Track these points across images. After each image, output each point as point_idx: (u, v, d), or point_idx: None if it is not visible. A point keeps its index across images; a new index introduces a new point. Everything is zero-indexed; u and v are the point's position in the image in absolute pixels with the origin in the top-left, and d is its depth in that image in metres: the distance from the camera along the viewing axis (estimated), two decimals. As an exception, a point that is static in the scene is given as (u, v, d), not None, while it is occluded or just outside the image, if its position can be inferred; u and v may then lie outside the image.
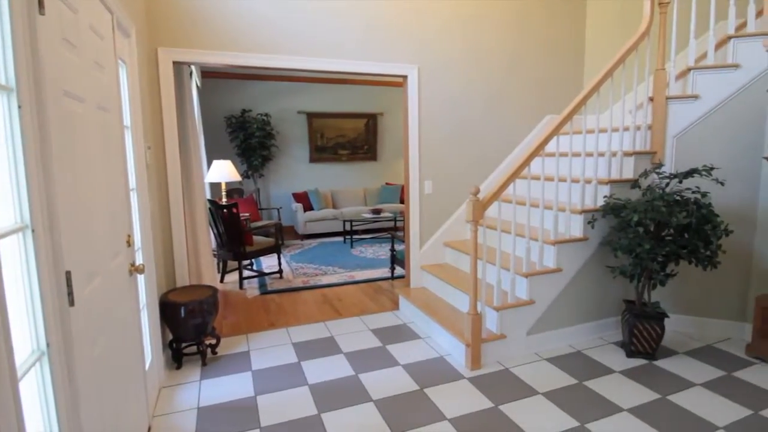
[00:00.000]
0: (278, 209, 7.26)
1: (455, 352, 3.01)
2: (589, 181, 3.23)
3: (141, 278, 2.46)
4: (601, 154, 3.37)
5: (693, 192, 2.83)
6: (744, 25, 3.47)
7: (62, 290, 1.21)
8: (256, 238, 5.15)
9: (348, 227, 7.57)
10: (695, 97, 3.15)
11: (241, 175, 7.31)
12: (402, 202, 7.99)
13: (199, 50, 3.17)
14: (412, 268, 4.03)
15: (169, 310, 2.81)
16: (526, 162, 2.90)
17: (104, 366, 1.54)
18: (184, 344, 3.05)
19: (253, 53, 3.32)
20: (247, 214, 5.91)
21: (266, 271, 5.32)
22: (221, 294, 4.50)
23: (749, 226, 3.14)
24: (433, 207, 4.04)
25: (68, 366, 1.24)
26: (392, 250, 4.81)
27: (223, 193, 5.38)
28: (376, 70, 3.70)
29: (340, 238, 7.32)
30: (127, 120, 2.32)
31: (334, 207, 7.87)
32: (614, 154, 3.29)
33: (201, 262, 3.86)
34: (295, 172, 7.97)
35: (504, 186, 2.83)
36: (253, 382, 2.74)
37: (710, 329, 3.31)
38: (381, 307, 4.02)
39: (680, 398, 2.48)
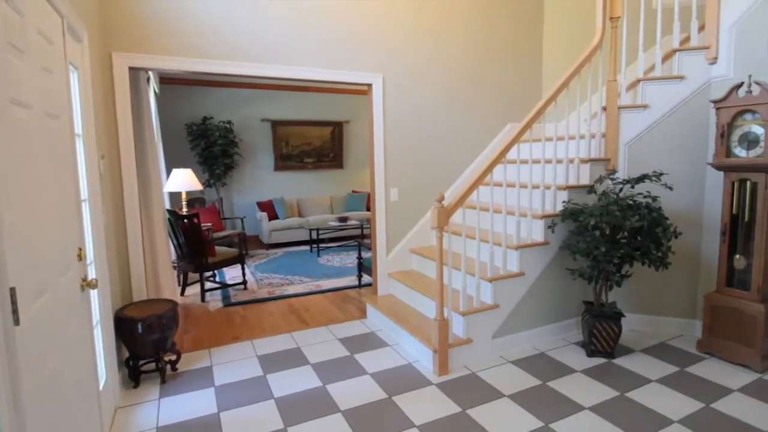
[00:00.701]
0: (242, 219, 7.10)
1: (423, 359, 3.03)
2: (548, 187, 3.34)
3: (94, 293, 2.34)
4: (560, 161, 3.49)
5: (644, 197, 2.98)
6: (688, 39, 3.70)
7: (6, 308, 1.14)
8: (219, 249, 5.01)
9: (314, 236, 7.49)
10: (645, 106, 3.33)
11: (203, 184, 7.11)
12: (369, 209, 7.99)
13: (157, 56, 3.07)
14: (380, 276, 4.03)
15: (125, 326, 2.69)
16: (489, 169, 2.96)
17: (54, 388, 1.45)
18: (141, 361, 2.91)
19: (214, 59, 3.25)
20: (209, 224, 5.74)
21: (230, 282, 5.18)
22: (182, 308, 4.34)
23: (696, 228, 3.33)
24: (399, 214, 4.07)
25: (13, 390, 1.16)
26: (359, 258, 4.79)
27: (184, 203, 5.22)
28: (341, 79, 3.70)
29: (307, 247, 7.23)
30: (78, 128, 2.21)
31: (300, 215, 7.78)
32: (571, 161, 3.42)
33: (160, 275, 3.72)
34: (259, 180, 7.83)
35: (468, 193, 2.88)
36: (216, 398, 2.64)
37: (664, 327, 3.47)
38: (348, 316, 3.99)
39: (638, 395, 2.58)
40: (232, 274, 5.61)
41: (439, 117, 4.16)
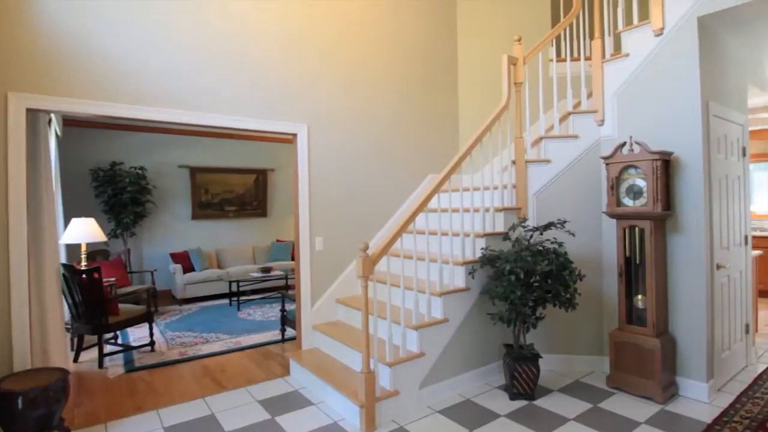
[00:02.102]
0: (152, 272, 6.53)
1: (349, 416, 2.89)
2: (467, 235, 3.50)
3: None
4: (476, 210, 3.70)
5: (552, 242, 3.22)
6: (579, 103, 4.21)
7: None
8: (124, 307, 4.53)
9: (235, 288, 7.08)
10: (548, 161, 3.68)
11: (108, 234, 6.51)
12: (294, 259, 7.79)
13: (60, 97, 2.85)
14: (304, 329, 3.86)
15: (2, 402, 2.27)
16: (411, 218, 3.05)
17: None
18: (17, 445, 2.46)
19: (127, 104, 3.08)
20: (113, 279, 5.21)
21: (134, 344, 4.67)
22: (74, 376, 3.80)
23: (597, 270, 3.64)
24: (324, 263, 4.00)
25: None
26: (283, 310, 4.59)
27: (83, 256, 4.70)
28: (265, 128, 3.68)
29: (226, 301, 6.79)
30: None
31: (220, 267, 7.36)
32: (487, 210, 3.64)
33: (49, 339, 3.24)
34: (174, 230, 7.35)
35: (392, 241, 2.92)
36: (112, 481, 2.28)
37: (577, 365, 3.67)
38: (270, 374, 3.74)
39: (558, 435, 2.66)
40: (138, 334, 5.07)
41: (364, 167, 4.26)
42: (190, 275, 6.67)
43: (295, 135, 3.86)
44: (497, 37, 4.85)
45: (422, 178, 4.70)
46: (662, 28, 3.21)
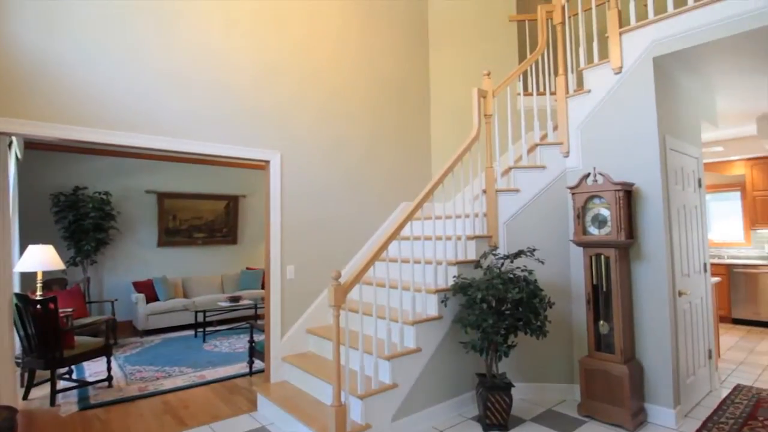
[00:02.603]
0: (113, 302, 6.23)
1: (320, 452, 2.77)
2: (440, 263, 3.51)
3: None
4: (449, 238, 3.73)
5: (522, 270, 3.27)
6: (546, 136, 4.37)
7: None
8: (80, 339, 4.28)
9: (201, 318, 6.82)
10: (516, 190, 3.77)
11: (67, 262, 6.20)
12: (264, 287, 7.60)
13: (23, 120, 2.75)
14: (273, 360, 3.74)
15: (-70, 449, 2.07)
16: (384, 246, 3.04)
17: None
18: (-50, 496, 2.24)
19: (93, 128, 3.00)
20: (70, 310, 4.93)
21: (90, 379, 4.40)
22: (23, 415, 3.52)
23: (566, 297, 3.70)
24: (295, 292, 3.91)
25: None
26: (251, 341, 4.43)
27: (39, 285, 4.45)
28: (237, 154, 3.65)
29: (191, 332, 6.52)
30: None
31: (185, 296, 7.10)
32: (459, 238, 3.67)
33: (-6, 376, 3.01)
34: (138, 257, 7.07)
35: (365, 269, 2.90)
36: None
37: (549, 393, 3.67)
38: (236, 410, 3.57)
39: (532, 467, 2.62)
40: (94, 369, 4.78)
41: (337, 195, 4.26)
42: (153, 305, 6.40)
43: (268, 162, 3.83)
44: (468, 71, 5.03)
45: (395, 206, 4.73)
46: (621, 67, 3.41)
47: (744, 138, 5.90)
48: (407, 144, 4.90)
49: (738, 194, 6.65)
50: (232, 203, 8.09)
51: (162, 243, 7.26)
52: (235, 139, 3.65)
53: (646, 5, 3.44)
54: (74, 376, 4.49)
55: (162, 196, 7.29)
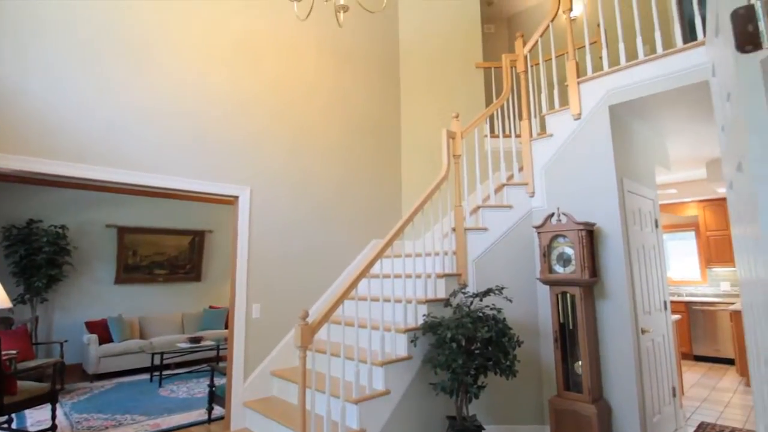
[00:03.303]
0: (62, 343, 5.81)
1: (281, 507, 2.59)
2: (409, 301, 3.48)
3: None
4: (419, 276, 3.71)
5: (491, 309, 3.27)
6: (512, 176, 4.51)
7: None
8: (24, 384, 3.94)
9: (158, 361, 6.43)
10: (485, 229, 3.83)
11: (14, 300, 5.80)
12: (227, 327, 7.30)
13: (-29, 149, 2.62)
14: (234, 406, 3.53)
15: None
16: (354, 284, 2.99)
17: None
18: None
19: (54, 160, 2.89)
20: (14, 352, 4.56)
21: (32, 429, 4.02)
22: (-55, 474, 3.16)
23: (534, 336, 3.71)
24: (261, 332, 3.76)
25: None
26: (211, 385, 4.19)
27: (-21, 326, 4.12)
28: (205, 189, 3.57)
29: (147, 376, 6.13)
30: None
31: (142, 337, 6.71)
32: (429, 276, 3.67)
33: None
34: (93, 295, 6.69)
35: (333, 308, 2.83)
36: None
37: (520, 437, 3.60)
38: (192, 461, 3.33)
39: None
40: (38, 416, 4.39)
41: (307, 232, 4.20)
42: (106, 347, 6.01)
43: (236, 197, 3.77)
44: (438, 113, 5.19)
45: (365, 244, 4.71)
46: (580, 114, 3.60)
47: (696, 181, 6.29)
48: (378, 182, 4.94)
49: (693, 234, 6.99)
50: (197, 238, 7.85)
51: (120, 280, 6.91)
52: (203, 173, 3.59)
53: (601, 57, 3.70)
54: (14, 425, 4.10)
55: (123, 231, 7.01)
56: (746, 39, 0.80)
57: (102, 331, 6.25)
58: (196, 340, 6.11)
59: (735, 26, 0.82)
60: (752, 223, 1.01)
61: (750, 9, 0.81)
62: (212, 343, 6.19)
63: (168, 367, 6.52)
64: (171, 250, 7.53)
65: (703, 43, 3.02)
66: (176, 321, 7.10)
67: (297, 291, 4.06)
